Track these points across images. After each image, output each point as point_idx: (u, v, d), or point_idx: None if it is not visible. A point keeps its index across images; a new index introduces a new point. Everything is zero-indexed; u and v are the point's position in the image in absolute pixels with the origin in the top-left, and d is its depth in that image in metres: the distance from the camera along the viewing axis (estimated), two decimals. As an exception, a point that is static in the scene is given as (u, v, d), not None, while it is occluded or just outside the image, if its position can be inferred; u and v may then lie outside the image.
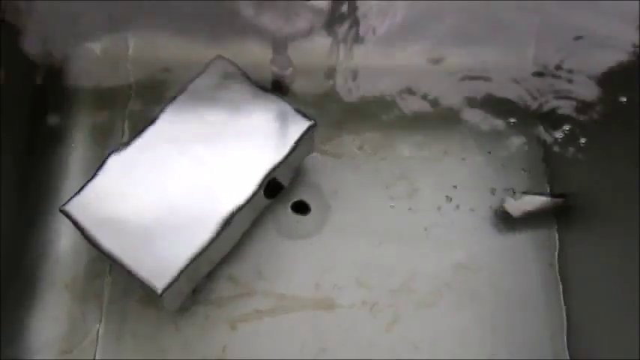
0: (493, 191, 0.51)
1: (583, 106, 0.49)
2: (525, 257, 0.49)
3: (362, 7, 0.51)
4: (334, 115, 0.53)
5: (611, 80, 0.47)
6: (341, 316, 0.47)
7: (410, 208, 0.50)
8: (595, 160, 0.48)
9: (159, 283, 0.39)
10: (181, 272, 0.40)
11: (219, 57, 0.46)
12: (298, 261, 0.48)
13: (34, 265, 0.47)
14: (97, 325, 0.45)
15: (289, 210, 0.50)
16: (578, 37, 0.50)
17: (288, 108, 0.45)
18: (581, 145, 0.49)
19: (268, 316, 0.47)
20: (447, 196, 0.51)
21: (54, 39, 0.51)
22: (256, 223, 0.48)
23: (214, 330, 0.46)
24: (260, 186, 0.43)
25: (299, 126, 0.44)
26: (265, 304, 0.47)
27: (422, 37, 0.54)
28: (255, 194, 0.43)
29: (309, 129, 0.44)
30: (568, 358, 0.46)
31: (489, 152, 0.52)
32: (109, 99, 0.52)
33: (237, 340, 0.46)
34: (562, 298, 0.48)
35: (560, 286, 0.48)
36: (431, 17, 0.52)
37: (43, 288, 0.46)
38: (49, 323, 0.45)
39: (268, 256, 0.48)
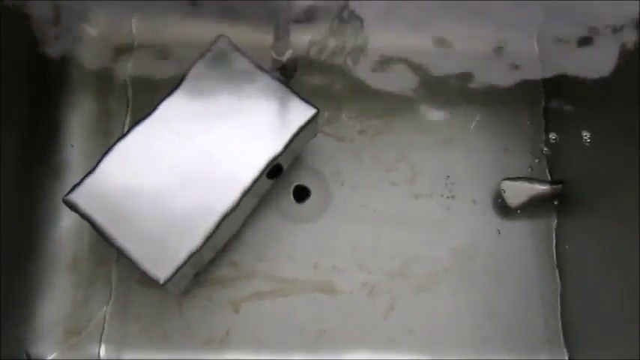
0: (493, 177, 0.51)
1: (584, 91, 0.49)
2: (523, 244, 0.50)
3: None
4: (335, 97, 0.53)
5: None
6: (340, 299, 0.48)
7: (410, 193, 0.51)
8: (595, 147, 0.48)
9: (161, 274, 0.40)
10: (184, 262, 0.40)
11: (222, 37, 0.46)
12: (299, 245, 0.49)
13: (39, 248, 0.47)
14: (104, 308, 0.46)
15: (290, 194, 0.50)
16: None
17: (291, 94, 0.45)
18: (583, 134, 0.48)
19: (269, 298, 0.48)
20: (447, 182, 0.51)
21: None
22: (258, 207, 0.49)
23: (217, 312, 0.47)
24: (262, 173, 0.43)
25: (303, 113, 0.44)
26: (266, 286, 0.48)
27: (426, 17, 0.53)
28: (258, 181, 0.43)
29: (312, 117, 0.44)
30: (562, 343, 0.47)
31: (491, 138, 0.52)
32: (110, 83, 0.52)
33: (239, 323, 0.47)
34: (558, 285, 0.49)
35: (557, 273, 0.49)
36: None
37: (48, 271, 0.47)
38: (55, 306, 0.46)
39: (269, 240, 0.49)
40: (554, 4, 0.51)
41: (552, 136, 0.52)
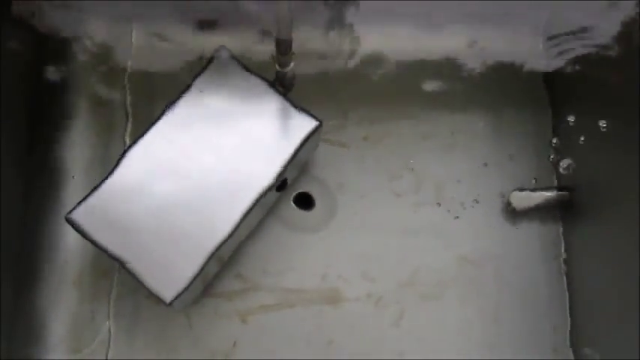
0: (499, 184, 0.50)
1: (591, 98, 0.48)
2: (530, 251, 0.49)
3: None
4: (338, 103, 0.52)
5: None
6: (347, 309, 0.48)
7: (415, 201, 0.50)
8: (603, 153, 0.47)
9: (168, 293, 0.40)
10: (191, 281, 0.40)
11: (223, 48, 0.45)
12: (304, 255, 0.49)
13: (43, 265, 0.47)
14: (107, 322, 0.46)
15: (295, 204, 0.50)
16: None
17: (293, 107, 0.44)
18: (590, 139, 0.48)
19: (275, 310, 0.47)
20: (452, 189, 0.50)
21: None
22: (263, 219, 0.48)
23: (224, 324, 0.47)
24: (268, 188, 0.42)
25: (306, 126, 0.44)
26: (272, 298, 0.48)
27: (430, 22, 0.52)
28: (264, 196, 0.42)
29: (316, 129, 0.44)
30: (570, 351, 0.47)
31: (496, 144, 0.52)
32: (109, 97, 0.51)
33: (246, 334, 0.47)
34: (566, 292, 0.49)
35: (565, 280, 0.49)
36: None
37: (52, 286, 0.47)
38: (59, 322, 0.46)
39: (274, 251, 0.48)
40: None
41: (559, 142, 0.51)
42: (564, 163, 0.50)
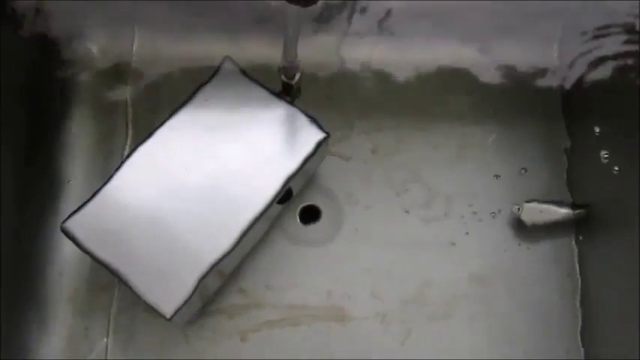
0: (511, 198, 0.49)
1: (607, 111, 0.47)
2: (543, 268, 0.48)
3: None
4: (345, 114, 0.50)
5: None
6: (352, 327, 0.46)
7: (425, 215, 0.49)
8: (618, 168, 0.45)
9: (167, 309, 0.38)
10: (190, 295, 0.38)
11: (228, 59, 0.44)
12: (309, 270, 0.47)
13: (38, 277, 0.45)
14: (105, 340, 0.44)
15: (300, 217, 0.48)
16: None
17: (300, 116, 0.43)
18: (605, 154, 0.46)
19: (278, 327, 0.46)
20: (463, 203, 0.49)
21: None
22: (267, 232, 0.47)
23: (224, 342, 0.45)
24: (272, 201, 0.41)
25: (313, 137, 0.42)
26: (275, 315, 0.46)
27: (442, 29, 0.51)
28: (268, 209, 0.41)
29: (322, 140, 0.42)
30: (586, 372, 0.45)
31: (508, 156, 0.50)
32: (111, 103, 0.50)
33: (247, 353, 0.45)
34: (580, 311, 0.47)
35: (579, 299, 0.47)
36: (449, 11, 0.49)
37: (47, 300, 0.45)
38: (54, 337, 0.44)
39: (278, 265, 0.47)
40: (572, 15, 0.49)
41: (573, 155, 0.49)
42: (579, 176, 0.48)
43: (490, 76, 0.52)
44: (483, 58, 0.52)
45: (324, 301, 0.46)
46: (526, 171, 0.50)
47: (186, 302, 0.38)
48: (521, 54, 0.52)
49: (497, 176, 0.49)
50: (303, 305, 0.46)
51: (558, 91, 0.52)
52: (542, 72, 0.52)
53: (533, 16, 0.50)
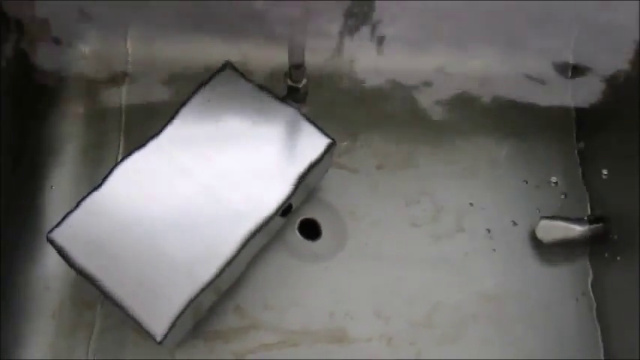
0: (524, 214, 0.47)
1: (621, 125, 0.45)
2: (558, 287, 0.46)
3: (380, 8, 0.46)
4: (350, 124, 0.48)
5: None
6: (356, 350, 0.43)
7: (433, 231, 0.46)
8: (636, 182, 0.43)
9: (158, 329, 0.35)
10: (182, 314, 0.35)
11: (228, 64, 0.41)
12: (310, 288, 0.44)
13: (20, 291, 0.43)
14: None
15: (300, 232, 0.45)
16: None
17: (305, 123, 0.40)
18: (621, 167, 0.44)
19: (276, 349, 0.43)
20: (473, 219, 0.47)
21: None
22: (265, 245, 0.44)
23: (217, 365, 0.42)
24: (273, 214, 0.38)
25: (317, 144, 0.40)
26: (273, 336, 0.43)
27: (453, 41, 0.49)
28: (269, 221, 0.38)
29: (328, 148, 0.40)
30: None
31: (521, 170, 0.48)
32: (103, 108, 0.47)
33: (243, 377, 0.42)
34: (599, 331, 0.44)
35: (596, 318, 0.45)
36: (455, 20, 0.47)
37: (29, 316, 0.42)
38: (36, 355, 0.41)
39: (277, 283, 0.44)
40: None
41: (587, 169, 0.48)
42: (595, 190, 0.46)
43: (502, 88, 0.50)
44: (495, 70, 0.50)
45: (325, 322, 0.44)
46: (539, 186, 0.47)
47: (178, 322, 0.35)
48: (534, 66, 0.50)
49: (509, 192, 0.47)
50: (303, 327, 0.43)
51: (572, 104, 0.50)
52: (555, 85, 0.50)
53: (545, 28, 0.48)
